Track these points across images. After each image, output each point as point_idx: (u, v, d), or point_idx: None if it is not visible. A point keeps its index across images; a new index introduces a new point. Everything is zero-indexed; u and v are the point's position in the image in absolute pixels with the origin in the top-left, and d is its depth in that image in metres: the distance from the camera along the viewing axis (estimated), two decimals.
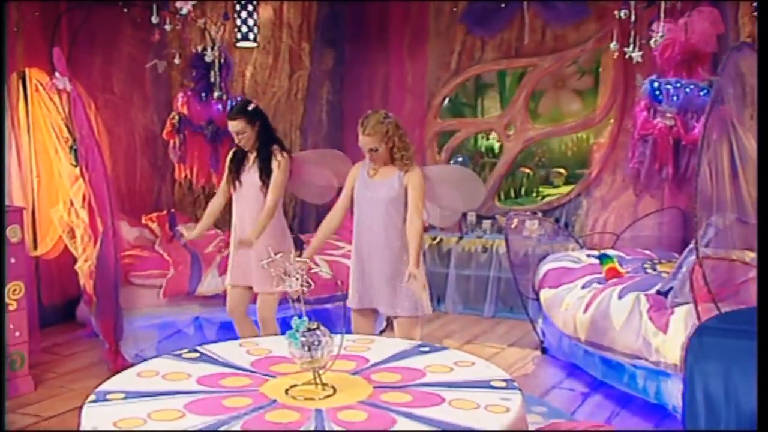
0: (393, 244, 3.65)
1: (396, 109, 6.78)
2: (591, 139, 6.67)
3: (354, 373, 2.56)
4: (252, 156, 4.22)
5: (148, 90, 6.35)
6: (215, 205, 4.35)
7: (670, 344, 3.75)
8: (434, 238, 6.61)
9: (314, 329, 2.36)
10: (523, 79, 6.69)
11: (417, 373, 2.56)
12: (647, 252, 5.37)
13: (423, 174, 3.67)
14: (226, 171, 4.31)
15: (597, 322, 4.33)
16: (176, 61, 5.39)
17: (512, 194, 7.12)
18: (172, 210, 6.12)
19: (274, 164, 4.14)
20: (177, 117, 5.67)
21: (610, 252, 5.24)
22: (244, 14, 5.93)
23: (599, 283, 4.69)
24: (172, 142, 5.62)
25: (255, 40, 5.95)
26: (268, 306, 4.28)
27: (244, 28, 5.92)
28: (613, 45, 4.47)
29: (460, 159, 7.04)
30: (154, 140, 6.33)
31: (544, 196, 6.92)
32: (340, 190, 4.03)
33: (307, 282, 2.42)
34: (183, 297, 5.00)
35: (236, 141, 4.17)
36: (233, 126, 4.13)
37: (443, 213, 4.00)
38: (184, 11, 4.75)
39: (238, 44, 5.88)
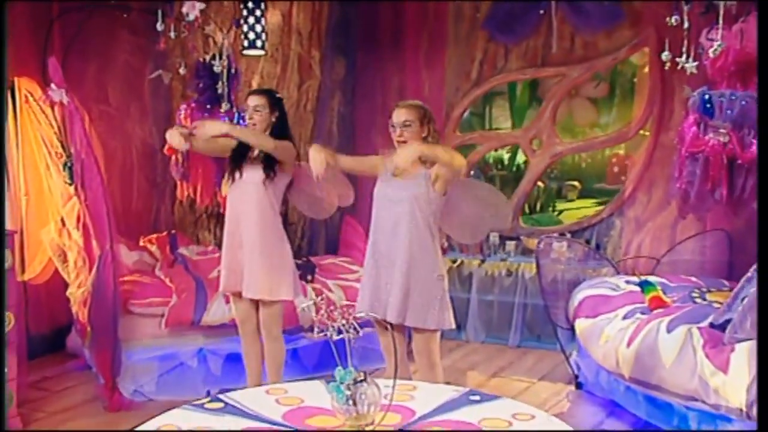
0: (416, 249, 3.54)
1: None
2: (607, 149, 6.61)
3: (402, 430, 2.37)
4: (257, 149, 4.14)
5: (146, 101, 6.24)
6: None
7: (732, 386, 3.58)
8: (455, 261, 6.46)
9: (361, 380, 2.18)
10: (550, 90, 6.55)
11: (472, 429, 2.37)
12: (692, 279, 5.20)
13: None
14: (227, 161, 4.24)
15: (643, 358, 4.16)
16: (181, 71, 5.21)
17: (526, 210, 6.98)
18: (173, 231, 6.00)
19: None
20: None
21: (651, 278, 5.08)
22: (251, 20, 5.75)
23: (642, 313, 4.52)
24: (173, 157, 5.45)
25: (263, 47, 5.78)
26: (272, 319, 4.21)
27: (251, 35, 5.73)
28: (665, 55, 4.31)
29: (471, 172, 6.90)
30: (153, 155, 6.20)
31: (560, 211, 6.82)
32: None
33: (356, 329, 2.23)
34: (186, 327, 4.85)
35: (248, 117, 4.13)
36: (253, 100, 4.13)
37: (466, 230, 3.91)
38: (191, 17, 4.59)
39: (245, 52, 5.70)
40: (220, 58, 5.40)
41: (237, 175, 4.14)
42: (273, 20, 6.26)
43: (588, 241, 6.34)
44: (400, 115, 3.55)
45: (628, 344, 4.29)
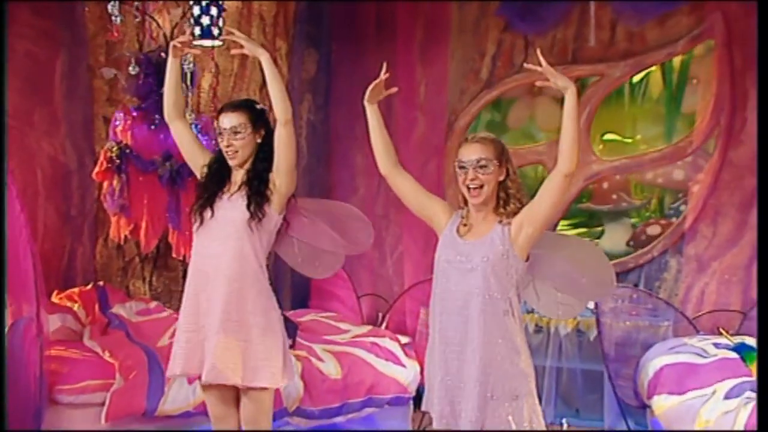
0: (492, 336, 3.23)
1: (404, 133, 6.56)
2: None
3: None
4: (239, 174, 3.74)
5: (57, 106, 5.79)
6: None
7: None
8: None
9: None
10: (585, 93, 6.29)
11: None
12: None
13: None
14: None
15: None
16: (131, 68, 4.79)
17: None
18: (101, 283, 5.57)
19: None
20: (116, 148, 5.23)
21: (751, 341, 4.85)
22: (204, 1, 5.31)
23: (754, 390, 4.23)
24: (107, 184, 5.21)
25: (219, 37, 5.35)
26: (259, 414, 3.77)
27: (204, 20, 5.28)
28: None
29: None
30: (66, 179, 5.81)
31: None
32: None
33: None
34: (136, 419, 4.49)
35: (224, 145, 3.72)
36: (228, 120, 3.72)
37: (559, 301, 3.61)
38: None
39: (196, 42, 5.23)
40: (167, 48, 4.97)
41: (208, 212, 3.70)
42: (229, 2, 5.86)
43: (636, 285, 6.09)
44: (472, 152, 3.32)
45: None
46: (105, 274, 5.88)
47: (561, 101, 3.18)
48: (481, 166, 3.27)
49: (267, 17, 6.36)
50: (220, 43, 5.42)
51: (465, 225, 3.34)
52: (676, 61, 6.22)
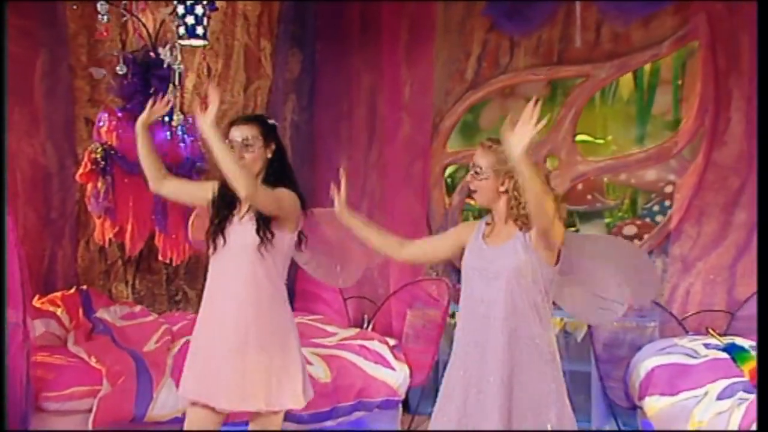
0: (517, 347, 3.15)
1: (388, 133, 6.51)
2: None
3: None
4: None
5: (37, 106, 5.72)
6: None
7: None
8: (453, 315, 6.02)
9: None
10: (571, 94, 6.33)
11: None
12: None
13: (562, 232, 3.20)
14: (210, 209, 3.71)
15: None
16: (119, 68, 4.71)
17: None
18: (84, 287, 5.47)
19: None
20: (101, 150, 5.15)
21: (741, 341, 4.87)
22: (188, 1, 5.26)
23: (747, 391, 4.26)
24: (91, 186, 5.12)
25: (204, 36, 5.33)
26: (273, 428, 3.69)
27: (189, 20, 5.23)
28: None
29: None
30: (46, 181, 5.75)
31: None
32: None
33: None
34: (125, 425, 4.43)
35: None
36: (240, 132, 3.60)
37: (598, 305, 3.49)
38: None
39: (181, 42, 5.19)
40: (154, 47, 4.90)
41: (220, 240, 3.61)
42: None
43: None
44: (475, 156, 3.29)
45: None
46: (87, 278, 5.82)
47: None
48: (476, 172, 3.23)
49: (251, 17, 6.33)
50: (205, 42, 5.39)
51: (489, 224, 3.29)
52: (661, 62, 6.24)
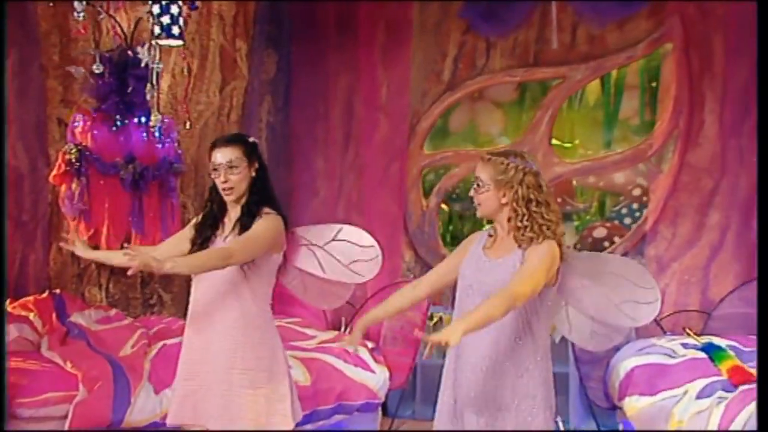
0: (503, 369, 3.09)
1: (365, 135, 6.53)
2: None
3: None
4: (235, 210, 3.56)
5: (7, 107, 5.47)
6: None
7: None
8: (431, 318, 6.04)
9: None
10: (547, 96, 6.36)
11: None
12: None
13: (558, 254, 3.09)
14: (191, 234, 3.61)
15: None
16: (95, 67, 4.64)
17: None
18: (57, 291, 5.39)
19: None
20: (75, 151, 5.08)
21: (718, 341, 4.90)
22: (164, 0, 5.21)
23: (725, 390, 4.28)
24: (64, 188, 5.06)
25: (180, 36, 5.27)
26: None
27: (165, 19, 5.18)
28: None
29: (443, 204, 6.63)
30: (17, 183, 5.59)
31: None
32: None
33: None
34: (102, 430, 4.32)
35: (221, 181, 3.50)
36: (223, 154, 3.49)
37: (594, 330, 3.44)
38: None
39: (159, 41, 5.13)
40: (130, 46, 4.86)
41: None
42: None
43: None
44: (476, 171, 3.22)
45: None
46: (59, 282, 5.74)
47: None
48: (478, 185, 3.19)
49: (227, 17, 6.30)
50: (181, 42, 5.34)
51: (491, 236, 3.23)
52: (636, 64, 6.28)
